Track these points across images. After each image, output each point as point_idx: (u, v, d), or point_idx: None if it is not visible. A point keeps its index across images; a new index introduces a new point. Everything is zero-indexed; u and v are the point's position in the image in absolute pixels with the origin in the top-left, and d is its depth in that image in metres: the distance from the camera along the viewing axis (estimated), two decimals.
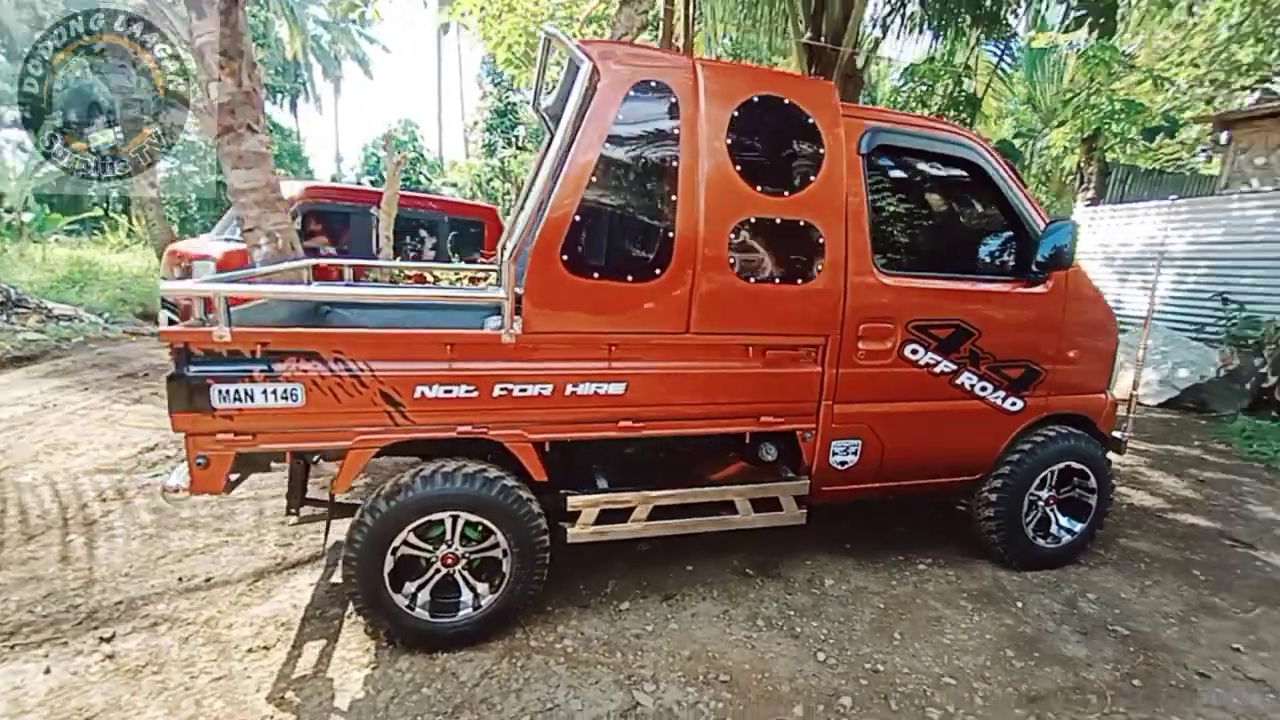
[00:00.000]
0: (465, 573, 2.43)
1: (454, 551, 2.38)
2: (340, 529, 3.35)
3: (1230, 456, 5.44)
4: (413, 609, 2.35)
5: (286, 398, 2.10)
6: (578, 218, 2.25)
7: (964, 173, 2.89)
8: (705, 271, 2.40)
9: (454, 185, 28.44)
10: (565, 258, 2.25)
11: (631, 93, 2.32)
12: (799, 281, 2.53)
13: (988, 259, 2.98)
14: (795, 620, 2.72)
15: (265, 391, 2.08)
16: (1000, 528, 3.10)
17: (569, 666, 2.39)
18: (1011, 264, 2.95)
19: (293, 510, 2.58)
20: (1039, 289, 2.94)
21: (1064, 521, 3.27)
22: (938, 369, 2.83)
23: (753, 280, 2.46)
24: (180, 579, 2.90)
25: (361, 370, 2.15)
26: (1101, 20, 6.99)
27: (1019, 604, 2.94)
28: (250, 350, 2.08)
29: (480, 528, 2.38)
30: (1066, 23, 7.49)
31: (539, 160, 3.68)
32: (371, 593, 2.28)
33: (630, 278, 2.34)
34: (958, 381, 2.87)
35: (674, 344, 2.45)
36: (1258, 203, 7.39)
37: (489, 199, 28.06)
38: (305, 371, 2.11)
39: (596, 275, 2.30)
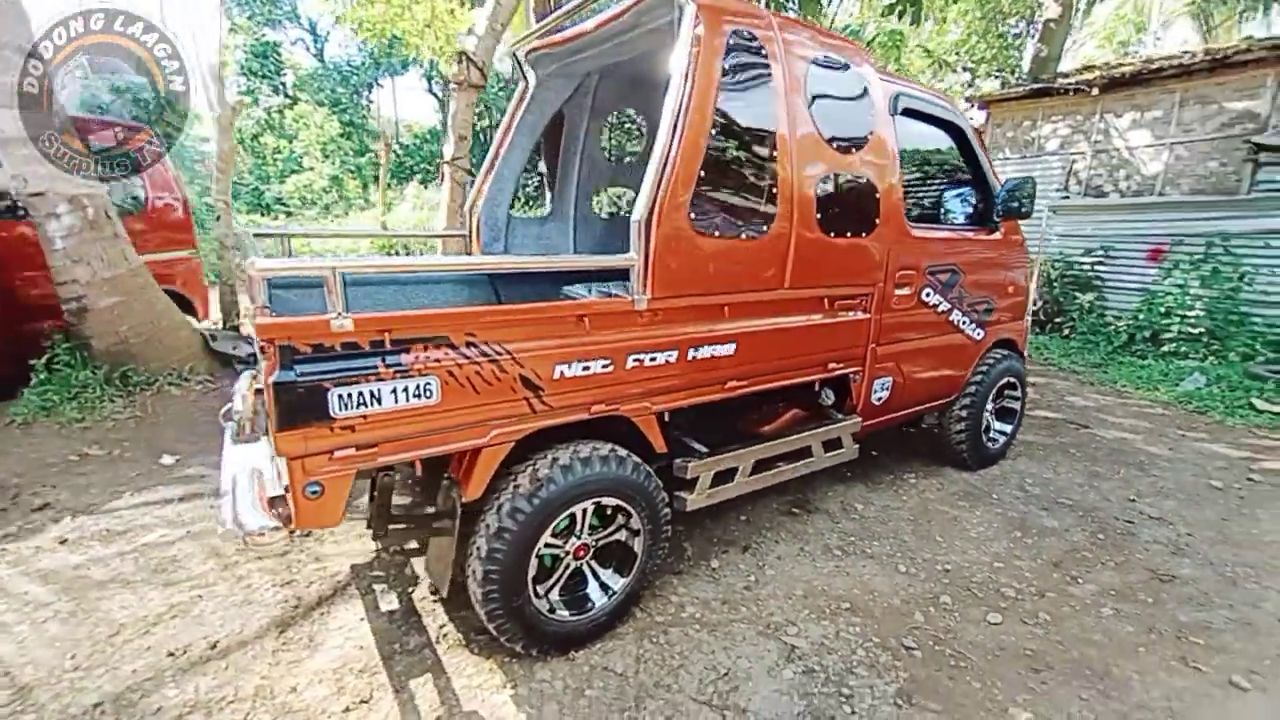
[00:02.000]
0: (592, 562, 2.26)
1: (584, 542, 2.20)
2: (340, 550, 2.85)
3: (1032, 364, 7.05)
4: (554, 611, 2.13)
5: (419, 395, 1.72)
6: (702, 174, 2.13)
7: (950, 134, 3.30)
8: (799, 227, 2.44)
9: (206, 139, 23.48)
10: (692, 216, 2.13)
11: (731, 42, 2.23)
12: (863, 235, 2.71)
13: (967, 211, 3.46)
14: (859, 544, 3.01)
15: (395, 390, 1.68)
16: (969, 438, 3.71)
17: (709, 631, 2.37)
18: (981, 215, 3.47)
19: (380, 534, 2.11)
20: (995, 235, 3.52)
21: (998, 426, 4.02)
22: (939, 308, 3.25)
23: (832, 235, 2.57)
24: (171, 653, 2.23)
25: (499, 353, 1.84)
26: (912, 7, 8.24)
27: (994, 496, 3.58)
28: (369, 341, 1.66)
29: (607, 512, 2.22)
30: (882, 9, 8.71)
31: (512, 114, 3.32)
32: (515, 604, 2.01)
33: (745, 235, 2.30)
34: (951, 318, 3.34)
35: (775, 300, 2.48)
36: (1013, 168, 9.46)
37: (257, 158, 23.75)
38: (439, 361, 1.74)
39: (718, 234, 2.22)
